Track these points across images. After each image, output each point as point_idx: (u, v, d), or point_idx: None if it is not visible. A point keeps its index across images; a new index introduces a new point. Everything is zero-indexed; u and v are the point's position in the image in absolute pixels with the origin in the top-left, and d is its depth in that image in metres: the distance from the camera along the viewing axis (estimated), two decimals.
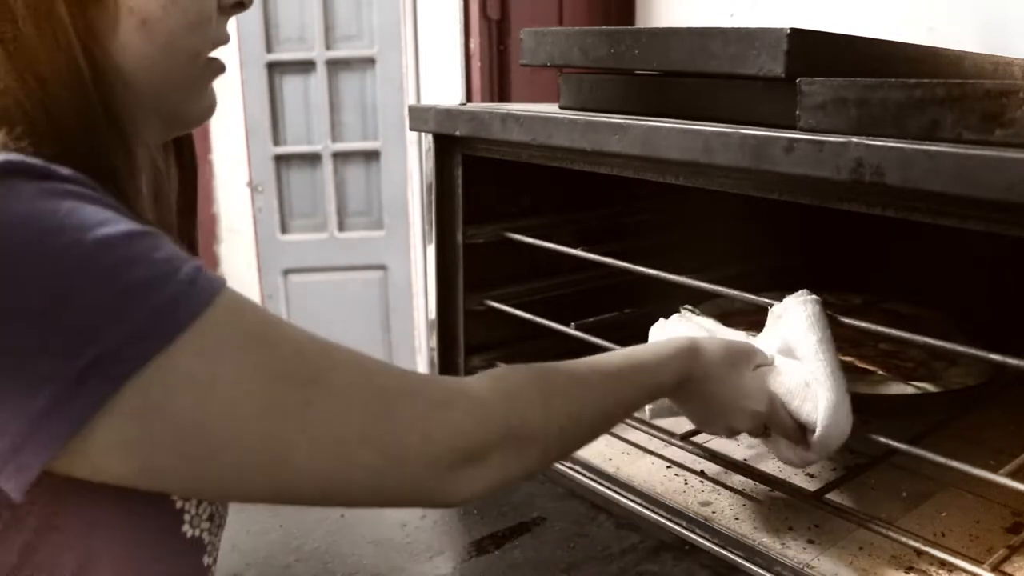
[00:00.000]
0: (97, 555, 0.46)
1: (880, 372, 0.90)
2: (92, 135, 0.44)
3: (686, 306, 0.89)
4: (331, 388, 0.44)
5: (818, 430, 0.71)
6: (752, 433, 0.76)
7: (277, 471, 0.43)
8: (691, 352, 0.69)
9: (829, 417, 0.70)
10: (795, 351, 0.73)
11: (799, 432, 0.74)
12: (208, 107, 0.56)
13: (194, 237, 0.64)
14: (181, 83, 0.51)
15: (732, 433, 0.76)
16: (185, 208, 0.62)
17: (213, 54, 0.54)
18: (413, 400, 0.48)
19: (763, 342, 0.77)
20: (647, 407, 0.81)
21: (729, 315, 1.07)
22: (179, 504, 0.50)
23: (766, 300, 0.79)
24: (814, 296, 0.75)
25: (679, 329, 0.84)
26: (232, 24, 0.55)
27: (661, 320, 0.87)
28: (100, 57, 0.45)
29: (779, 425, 0.74)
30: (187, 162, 0.63)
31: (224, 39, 0.54)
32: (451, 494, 0.49)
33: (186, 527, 0.51)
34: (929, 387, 0.88)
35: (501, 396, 0.53)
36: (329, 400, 0.44)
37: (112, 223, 0.40)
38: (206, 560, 0.54)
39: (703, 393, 0.71)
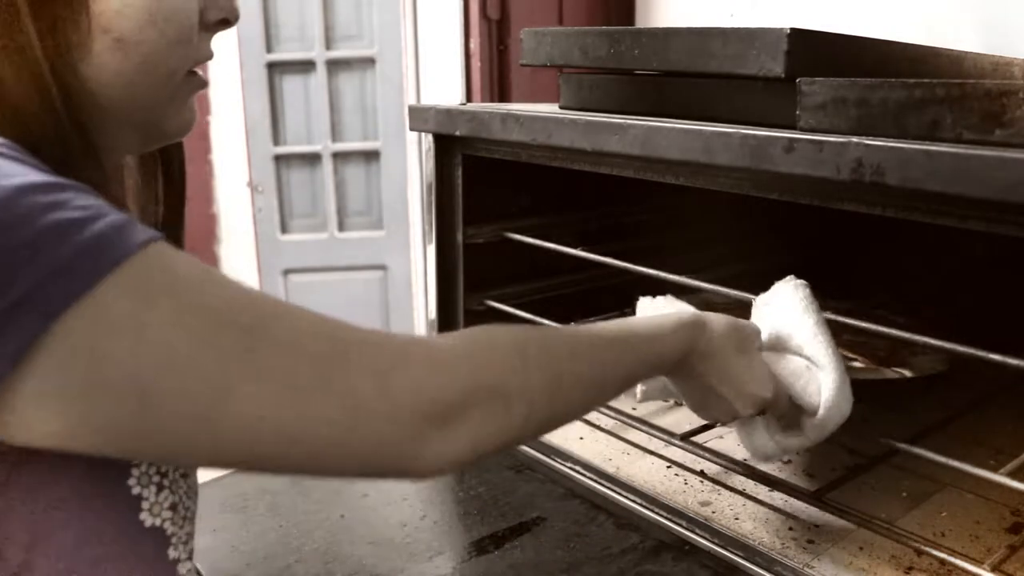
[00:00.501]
0: (46, 542, 0.44)
1: (863, 362, 0.93)
2: (63, 152, 0.44)
3: (669, 296, 0.89)
4: (276, 334, 0.42)
5: (821, 410, 0.71)
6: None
7: (220, 422, 0.40)
8: (696, 326, 0.66)
9: (833, 398, 0.70)
10: (791, 336, 0.73)
11: (795, 416, 0.73)
12: (187, 122, 0.54)
13: (179, 248, 0.63)
14: (159, 100, 0.50)
15: (731, 418, 0.73)
16: (170, 219, 0.61)
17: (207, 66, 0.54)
18: (367, 348, 0.45)
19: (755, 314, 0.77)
20: (639, 387, 0.79)
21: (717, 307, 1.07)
22: (136, 490, 0.49)
23: None
24: (802, 281, 0.75)
25: (666, 308, 0.83)
26: None
27: (647, 298, 0.85)
28: (70, 76, 0.44)
29: (778, 410, 0.73)
30: (175, 174, 0.62)
31: (206, 56, 0.53)
32: (426, 457, 0.46)
33: (144, 515, 0.49)
34: (906, 372, 0.92)
35: (473, 349, 0.50)
36: (274, 346, 0.42)
37: (38, 175, 0.39)
38: (172, 553, 0.51)
39: (706, 372, 0.68)
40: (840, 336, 0.91)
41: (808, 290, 0.74)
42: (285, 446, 0.42)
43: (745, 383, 0.69)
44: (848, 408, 0.71)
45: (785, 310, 0.74)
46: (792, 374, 0.72)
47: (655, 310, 0.82)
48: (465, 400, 0.47)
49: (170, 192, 0.61)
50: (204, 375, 0.40)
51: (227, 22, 0.52)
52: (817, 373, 0.71)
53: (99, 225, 0.38)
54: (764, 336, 0.75)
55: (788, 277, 0.76)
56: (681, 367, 0.66)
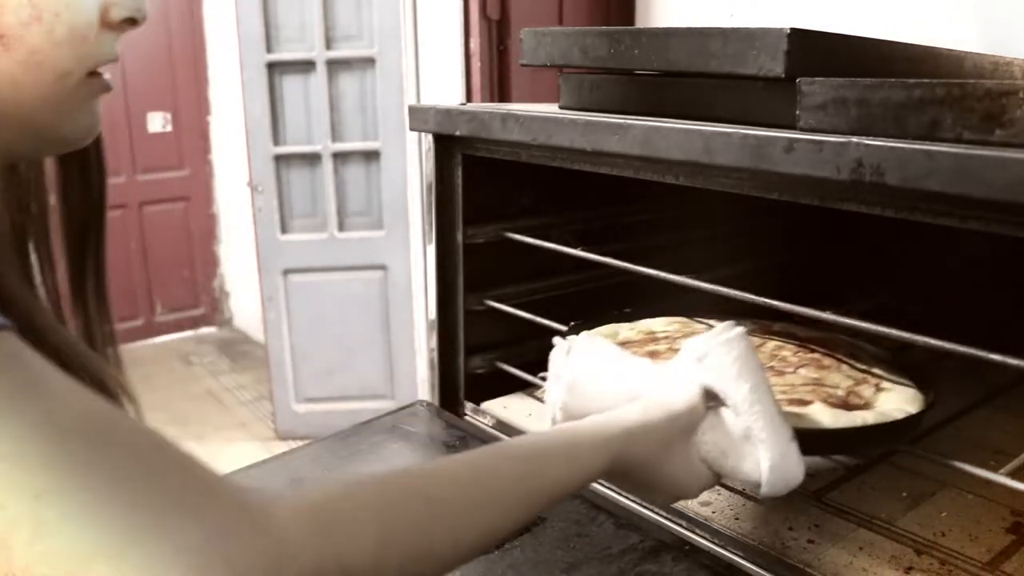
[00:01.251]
0: None
1: (819, 403, 0.78)
2: None
3: (585, 335, 0.79)
4: (78, 478, 0.34)
5: (763, 487, 0.66)
6: None
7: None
8: (623, 441, 0.61)
9: (773, 479, 0.65)
10: (724, 400, 0.66)
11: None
12: (87, 127, 0.50)
13: (100, 257, 0.59)
14: (51, 102, 0.46)
15: None
16: (90, 223, 0.58)
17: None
18: (185, 518, 0.36)
19: (682, 382, 0.68)
20: (550, 421, 0.76)
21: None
22: None
23: (766, 300, 0.79)
24: (739, 330, 0.68)
25: (584, 349, 0.76)
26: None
27: (562, 343, 0.78)
28: None
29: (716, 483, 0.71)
30: (93, 177, 0.58)
31: (108, 57, 0.48)
32: None
33: None
34: (868, 417, 0.76)
35: (316, 529, 0.41)
36: (70, 494, 0.34)
37: None
38: None
39: (631, 479, 0.65)
40: (795, 371, 0.85)
41: (744, 344, 0.67)
42: None
43: (672, 487, 0.66)
44: (796, 479, 0.66)
45: (719, 372, 0.66)
46: (723, 453, 0.66)
47: (571, 364, 0.75)
48: None
49: (88, 195, 0.58)
50: None
51: (134, 21, 0.49)
52: (756, 447, 0.65)
53: None
54: (697, 396, 0.67)
55: (724, 325, 0.69)
56: (603, 477, 0.62)
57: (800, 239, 1.27)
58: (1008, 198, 0.51)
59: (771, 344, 0.92)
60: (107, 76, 0.50)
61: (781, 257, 1.26)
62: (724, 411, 0.67)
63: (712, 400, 0.67)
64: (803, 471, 0.66)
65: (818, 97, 0.64)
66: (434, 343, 1.07)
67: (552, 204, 1.11)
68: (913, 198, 0.59)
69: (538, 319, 1.01)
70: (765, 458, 0.65)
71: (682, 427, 0.66)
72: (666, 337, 0.95)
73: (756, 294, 0.80)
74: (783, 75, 0.67)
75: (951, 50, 0.82)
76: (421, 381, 2.97)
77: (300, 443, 1.08)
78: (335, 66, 2.87)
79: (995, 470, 0.67)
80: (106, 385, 0.48)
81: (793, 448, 0.66)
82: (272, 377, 3.17)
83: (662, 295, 0.97)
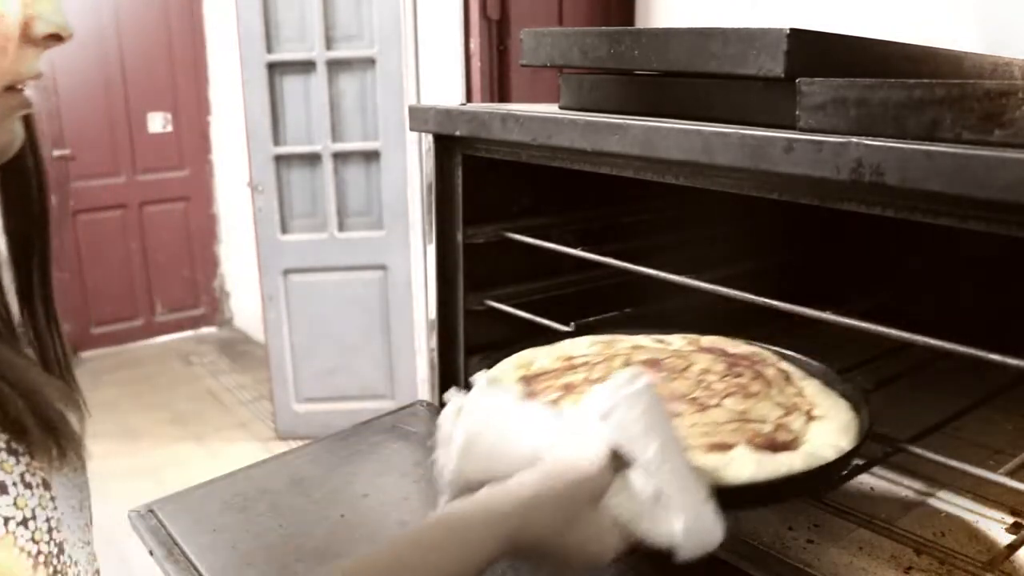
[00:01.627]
0: None
1: (743, 445, 0.70)
2: None
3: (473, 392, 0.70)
4: None
5: (679, 551, 0.61)
6: None
7: None
8: (519, 522, 0.57)
9: (689, 543, 0.61)
10: (633, 460, 0.62)
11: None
12: (4, 142, 0.49)
13: (46, 269, 0.58)
14: None
15: None
16: (35, 234, 0.57)
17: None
18: None
19: (587, 441, 0.63)
20: (442, 499, 0.68)
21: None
22: None
23: (766, 300, 0.79)
24: (644, 381, 0.63)
25: (478, 403, 0.68)
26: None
27: (453, 400, 0.69)
28: None
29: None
30: (32, 190, 0.56)
31: (29, 73, 0.47)
32: None
33: None
34: (795, 460, 0.69)
35: None
36: None
37: None
38: None
39: (534, 556, 0.61)
40: (720, 402, 0.77)
41: (650, 395, 0.63)
42: None
43: (580, 557, 0.61)
44: (714, 540, 0.62)
45: (624, 429, 0.62)
46: (636, 516, 0.62)
47: (462, 422, 0.67)
48: None
49: (28, 208, 0.57)
50: None
51: (58, 38, 0.47)
52: (668, 508, 0.61)
53: None
54: (603, 457, 0.62)
55: (628, 373, 0.64)
56: (504, 557, 0.58)
57: (800, 239, 1.27)
58: (1008, 198, 0.51)
59: (697, 367, 0.84)
60: (28, 92, 0.48)
61: (781, 257, 1.26)
62: (633, 472, 0.62)
63: (619, 460, 0.62)
64: (722, 531, 0.62)
65: (818, 97, 0.64)
66: (434, 343, 1.07)
67: (552, 204, 1.11)
68: (913, 198, 0.59)
69: (538, 319, 1.01)
70: (679, 521, 0.60)
71: (587, 493, 0.61)
72: (585, 363, 0.87)
73: (756, 294, 0.80)
74: (783, 75, 0.67)
75: (951, 50, 0.82)
76: (421, 381, 2.97)
77: (300, 443, 1.08)
78: (335, 66, 2.87)
79: (995, 470, 0.67)
80: (43, 406, 0.47)
81: (708, 509, 0.62)
82: (272, 377, 3.17)
83: (662, 295, 0.97)
